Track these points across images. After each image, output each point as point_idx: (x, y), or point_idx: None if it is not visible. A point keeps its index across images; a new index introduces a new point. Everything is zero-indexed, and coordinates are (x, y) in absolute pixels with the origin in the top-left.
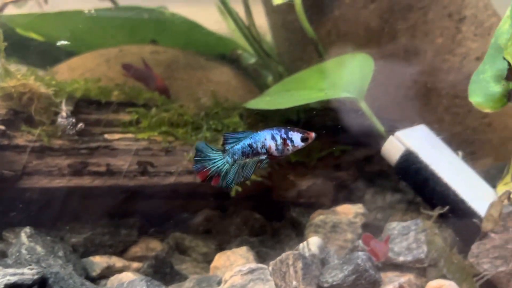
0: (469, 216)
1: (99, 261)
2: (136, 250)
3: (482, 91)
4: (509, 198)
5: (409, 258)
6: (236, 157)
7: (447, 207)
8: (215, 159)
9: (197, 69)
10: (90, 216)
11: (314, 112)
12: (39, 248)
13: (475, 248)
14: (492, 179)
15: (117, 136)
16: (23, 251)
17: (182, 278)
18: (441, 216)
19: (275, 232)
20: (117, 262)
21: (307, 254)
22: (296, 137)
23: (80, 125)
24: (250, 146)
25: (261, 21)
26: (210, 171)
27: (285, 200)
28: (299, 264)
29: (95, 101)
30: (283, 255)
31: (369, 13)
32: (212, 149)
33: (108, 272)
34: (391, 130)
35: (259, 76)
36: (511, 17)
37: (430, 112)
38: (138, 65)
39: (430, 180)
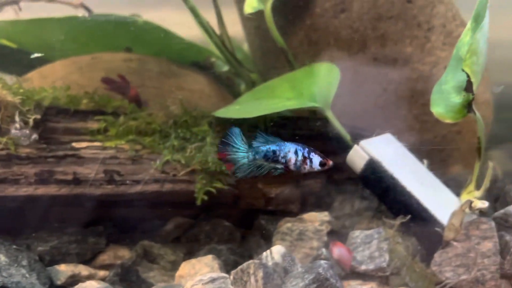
0: (432, 225)
1: (64, 270)
2: (104, 258)
3: (443, 102)
4: (470, 207)
5: (371, 266)
6: (257, 156)
7: (409, 216)
8: (239, 149)
9: (170, 77)
10: (57, 225)
11: (283, 121)
12: (2, 257)
13: (437, 256)
14: (460, 186)
15: (84, 144)
16: None
17: (149, 286)
18: (405, 224)
19: (244, 240)
20: (83, 270)
21: (270, 263)
22: (316, 159)
23: (34, 136)
24: (273, 152)
25: (239, 30)
26: (230, 157)
27: (254, 208)
28: (260, 273)
29: (63, 109)
30: (244, 264)
31: (339, 22)
32: (242, 140)
33: (73, 280)
34: (360, 139)
35: (233, 84)
36: (472, 30)
37: (400, 120)
38: (115, 77)
39: (394, 189)
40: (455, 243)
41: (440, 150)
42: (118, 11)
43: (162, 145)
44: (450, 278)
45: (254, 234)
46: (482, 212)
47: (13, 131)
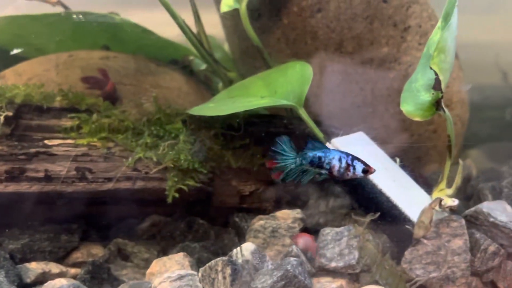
0: (403, 223)
1: (34, 268)
2: (77, 256)
3: (413, 100)
4: (440, 205)
5: (340, 264)
6: (303, 162)
7: (378, 213)
8: (288, 156)
9: (147, 75)
10: (30, 222)
11: (257, 119)
12: None
13: (408, 254)
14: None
15: (57, 142)
16: None
17: (120, 284)
18: (376, 222)
19: (218, 238)
20: (54, 268)
21: (239, 260)
22: (359, 166)
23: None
24: (319, 158)
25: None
26: (279, 165)
27: (229, 206)
28: (228, 270)
29: (37, 106)
30: (212, 261)
31: (316, 22)
32: (291, 147)
33: (44, 278)
34: (333, 137)
35: (211, 82)
36: (441, 28)
37: (377, 119)
38: (93, 74)
39: (365, 186)
40: (425, 241)
41: (416, 149)
42: (105, 10)
43: (134, 143)
44: (420, 276)
45: (229, 232)
46: (452, 210)
47: None
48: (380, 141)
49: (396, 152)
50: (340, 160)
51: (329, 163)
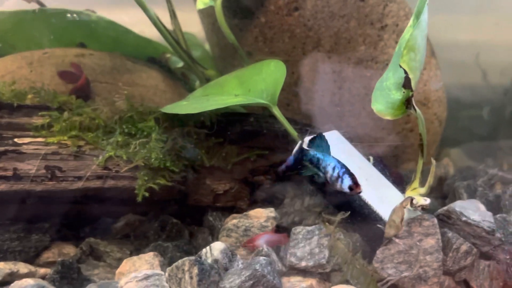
0: (375, 221)
1: (2, 268)
2: (48, 255)
3: (384, 99)
4: (412, 203)
5: (310, 263)
6: (304, 158)
7: (348, 212)
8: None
9: (123, 73)
10: (0, 222)
11: (231, 117)
12: None
13: (379, 253)
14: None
15: (26, 140)
16: None
17: (90, 283)
18: (348, 221)
19: (193, 237)
20: (22, 268)
21: (209, 259)
22: (346, 181)
23: None
24: (317, 159)
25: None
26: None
27: (202, 205)
28: (195, 270)
29: (7, 104)
30: (179, 261)
31: (293, 20)
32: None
33: (11, 279)
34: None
35: (188, 80)
36: (413, 26)
37: (354, 118)
38: (68, 69)
39: None
40: (397, 240)
41: (394, 147)
42: (81, 8)
43: (105, 141)
44: (392, 275)
45: (203, 231)
46: (424, 209)
47: None
48: (358, 140)
49: (374, 150)
50: (333, 168)
51: (324, 168)
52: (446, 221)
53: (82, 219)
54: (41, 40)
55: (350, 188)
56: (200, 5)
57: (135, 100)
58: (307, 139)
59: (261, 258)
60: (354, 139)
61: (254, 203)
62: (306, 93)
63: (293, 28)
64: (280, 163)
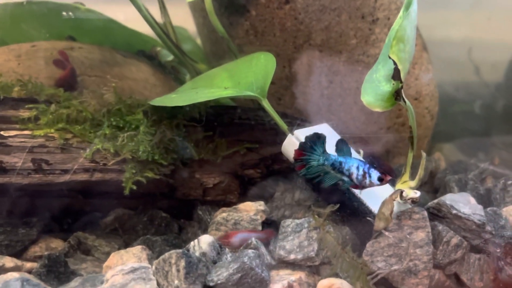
0: (365, 215)
1: None
2: (35, 249)
3: (373, 91)
4: (402, 196)
5: (299, 256)
6: (326, 163)
7: (338, 205)
8: (314, 151)
9: (113, 66)
10: None
11: (221, 111)
12: None
13: (369, 246)
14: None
15: (13, 133)
16: None
17: (77, 277)
18: (338, 214)
19: (182, 231)
20: (8, 262)
21: (197, 253)
22: (374, 174)
23: None
24: (340, 163)
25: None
26: (304, 157)
27: (192, 199)
28: (182, 263)
29: None
30: (166, 253)
31: (284, 13)
32: (322, 145)
33: None
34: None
35: (178, 73)
36: (403, 18)
37: (346, 112)
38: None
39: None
40: (387, 233)
41: (385, 141)
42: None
43: (93, 134)
44: (382, 268)
45: (192, 225)
46: (414, 202)
47: None
48: (348, 133)
49: (365, 144)
50: (358, 167)
51: (348, 170)
52: (437, 214)
53: (70, 213)
54: (30, 33)
55: (380, 179)
56: None
57: (125, 94)
58: (297, 132)
59: (250, 251)
60: (345, 132)
61: (244, 197)
62: (297, 87)
63: (284, 22)
64: (270, 157)
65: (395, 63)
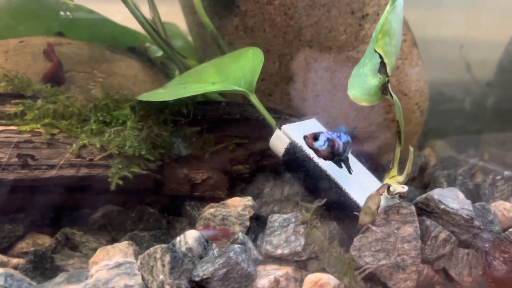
0: (353, 209)
1: None
2: (22, 245)
3: (360, 85)
4: (389, 191)
5: (286, 251)
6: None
7: (325, 200)
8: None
9: (101, 62)
10: None
11: (209, 106)
12: None
13: (357, 241)
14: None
15: None
16: None
17: (63, 272)
18: (325, 208)
19: (171, 227)
20: None
21: (183, 248)
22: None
23: None
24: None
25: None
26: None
27: (180, 194)
28: (167, 258)
29: None
30: (151, 248)
31: (274, 9)
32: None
33: None
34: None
35: (168, 69)
36: (389, 12)
37: (336, 108)
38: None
39: (314, 173)
40: (374, 228)
41: (375, 137)
42: None
43: (79, 129)
44: (370, 263)
45: (180, 221)
46: (402, 197)
47: None
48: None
49: (355, 140)
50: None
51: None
52: (425, 209)
53: (58, 209)
54: (17, 29)
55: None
56: None
57: (114, 90)
58: (285, 127)
59: (236, 246)
60: (333, 127)
61: (233, 193)
62: (287, 83)
63: (273, 17)
64: (259, 152)
65: (381, 57)
